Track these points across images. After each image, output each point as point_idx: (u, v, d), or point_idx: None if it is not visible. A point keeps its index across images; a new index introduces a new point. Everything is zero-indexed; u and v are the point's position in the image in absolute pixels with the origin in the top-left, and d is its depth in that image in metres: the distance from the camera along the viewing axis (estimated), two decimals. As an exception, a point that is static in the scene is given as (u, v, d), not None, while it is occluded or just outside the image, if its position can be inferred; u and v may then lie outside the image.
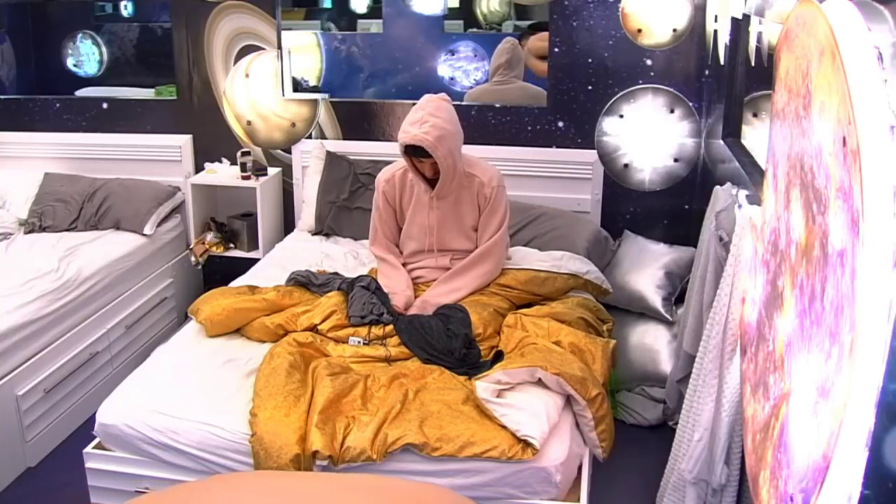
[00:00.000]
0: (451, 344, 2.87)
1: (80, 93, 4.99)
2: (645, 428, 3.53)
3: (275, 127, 4.53)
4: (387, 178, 3.39)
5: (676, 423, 2.68)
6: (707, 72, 3.86)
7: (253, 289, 3.27)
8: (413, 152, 3.13)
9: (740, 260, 2.18)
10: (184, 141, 4.59)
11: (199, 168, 4.62)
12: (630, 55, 3.95)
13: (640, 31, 3.91)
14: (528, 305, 3.27)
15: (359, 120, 4.43)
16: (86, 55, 5.16)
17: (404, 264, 3.44)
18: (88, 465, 2.68)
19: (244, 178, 4.37)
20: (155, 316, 4.23)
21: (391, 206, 3.41)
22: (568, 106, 4.10)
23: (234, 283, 3.47)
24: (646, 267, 3.72)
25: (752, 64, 2.93)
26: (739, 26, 3.03)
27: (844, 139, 1.03)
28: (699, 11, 3.81)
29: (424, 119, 3.06)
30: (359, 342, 2.96)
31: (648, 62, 3.95)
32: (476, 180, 3.28)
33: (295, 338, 2.92)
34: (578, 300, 3.28)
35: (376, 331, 2.99)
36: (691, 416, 2.50)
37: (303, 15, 4.90)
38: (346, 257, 3.86)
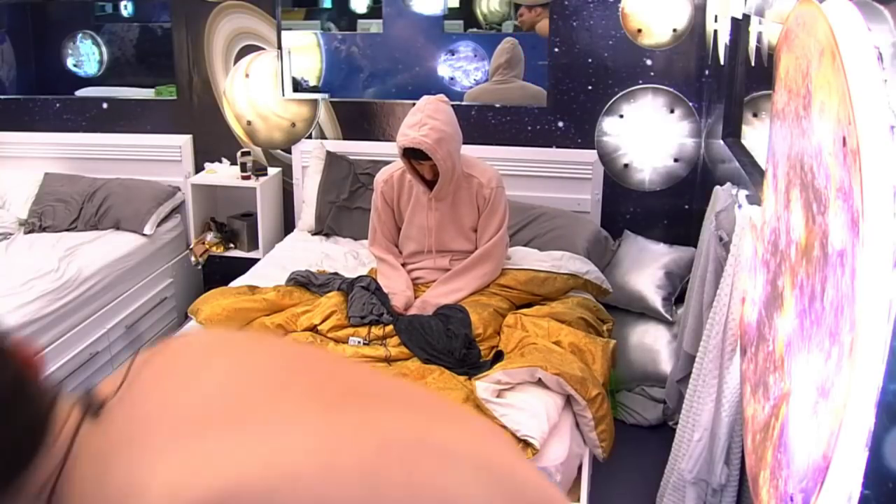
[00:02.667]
0: (451, 344, 2.87)
1: (80, 93, 4.99)
2: (645, 428, 3.53)
3: (275, 127, 4.53)
4: (385, 178, 3.39)
5: (676, 423, 2.68)
6: (707, 72, 3.86)
7: (253, 289, 3.27)
8: (412, 155, 3.13)
9: (740, 260, 2.18)
10: (184, 141, 4.59)
11: (199, 168, 4.62)
12: (630, 55, 3.95)
13: (640, 31, 3.91)
14: (528, 305, 3.26)
15: (359, 120, 4.43)
16: (86, 55, 5.16)
17: (403, 265, 3.44)
18: (88, 465, 2.68)
19: (244, 178, 4.37)
20: (155, 316, 4.23)
21: (389, 206, 3.41)
22: (568, 106, 4.10)
23: (234, 283, 3.47)
24: (646, 267, 3.72)
25: (752, 64, 2.93)
26: (739, 26, 3.03)
27: (844, 139, 1.03)
28: (699, 11, 3.81)
29: (423, 121, 3.05)
30: (359, 342, 2.96)
31: (648, 62, 3.95)
32: (475, 181, 3.28)
33: (295, 338, 2.92)
34: (578, 300, 3.28)
35: (376, 331, 2.99)
36: (691, 416, 2.50)
37: (303, 15, 4.91)
38: (346, 257, 3.86)
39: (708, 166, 3.80)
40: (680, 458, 2.54)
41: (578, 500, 2.49)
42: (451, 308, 3.08)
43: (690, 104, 3.95)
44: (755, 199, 2.26)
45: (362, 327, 3.00)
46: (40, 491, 0.75)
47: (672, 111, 3.96)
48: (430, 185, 3.24)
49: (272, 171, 4.53)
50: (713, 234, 2.61)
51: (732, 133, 3.23)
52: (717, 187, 2.78)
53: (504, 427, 2.43)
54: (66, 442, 0.77)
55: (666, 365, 3.51)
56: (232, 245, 4.50)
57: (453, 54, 4.80)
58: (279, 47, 4.40)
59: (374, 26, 4.79)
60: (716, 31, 3.51)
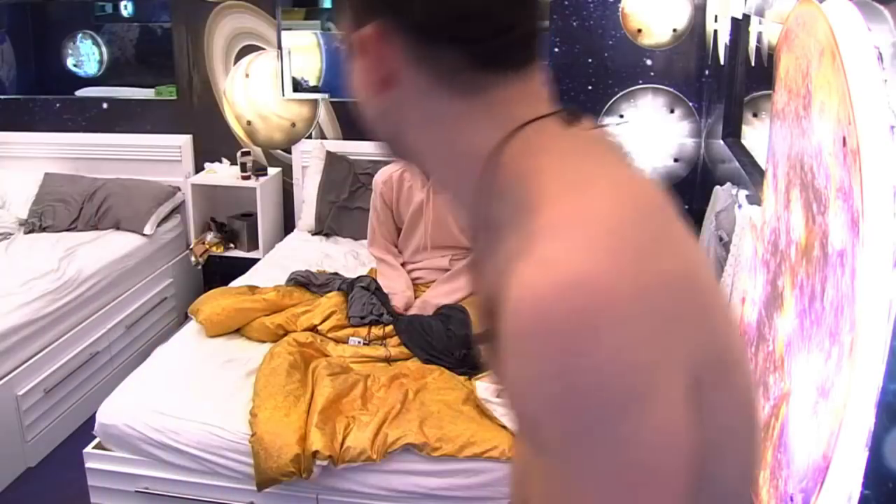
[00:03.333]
0: (451, 344, 2.87)
1: (81, 93, 4.98)
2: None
3: (275, 127, 4.53)
4: (384, 178, 3.40)
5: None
6: (707, 72, 3.86)
7: (253, 289, 3.27)
8: None
9: (740, 260, 2.18)
10: (184, 141, 4.59)
11: (199, 168, 4.61)
12: (630, 55, 3.95)
13: (640, 31, 3.91)
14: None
15: (359, 120, 4.42)
16: (86, 55, 5.15)
17: (403, 265, 3.44)
18: (88, 465, 2.68)
19: (244, 178, 4.37)
20: (155, 316, 4.23)
21: (388, 207, 3.42)
22: (568, 106, 4.08)
23: (234, 284, 3.47)
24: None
25: (752, 64, 2.93)
26: (739, 26, 3.03)
27: (844, 139, 1.03)
28: (699, 11, 3.81)
29: None
30: (359, 342, 2.96)
31: (648, 62, 3.95)
32: None
33: (295, 338, 2.92)
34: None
35: (376, 331, 2.99)
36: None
37: (303, 15, 4.89)
38: (346, 257, 3.86)
39: (708, 166, 3.80)
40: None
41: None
42: (452, 308, 3.08)
43: (690, 104, 3.95)
44: (755, 199, 2.26)
45: (362, 327, 3.00)
46: (504, 127, 0.80)
47: (672, 111, 3.96)
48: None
49: (272, 171, 4.53)
50: (713, 234, 2.61)
51: (732, 133, 3.23)
52: (717, 187, 2.78)
53: (504, 427, 2.43)
54: (541, 105, 0.84)
55: (666, 365, 3.51)
56: (232, 245, 4.50)
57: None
58: (279, 47, 4.40)
59: (374, 26, 4.80)
60: (716, 31, 3.51)
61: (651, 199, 0.77)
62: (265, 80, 4.46)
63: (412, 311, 3.17)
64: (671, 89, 3.95)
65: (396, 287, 3.27)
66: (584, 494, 0.68)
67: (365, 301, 3.07)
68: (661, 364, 0.67)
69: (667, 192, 0.81)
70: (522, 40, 0.81)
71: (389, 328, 3.00)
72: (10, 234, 4.22)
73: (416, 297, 3.29)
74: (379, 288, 3.20)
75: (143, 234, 4.25)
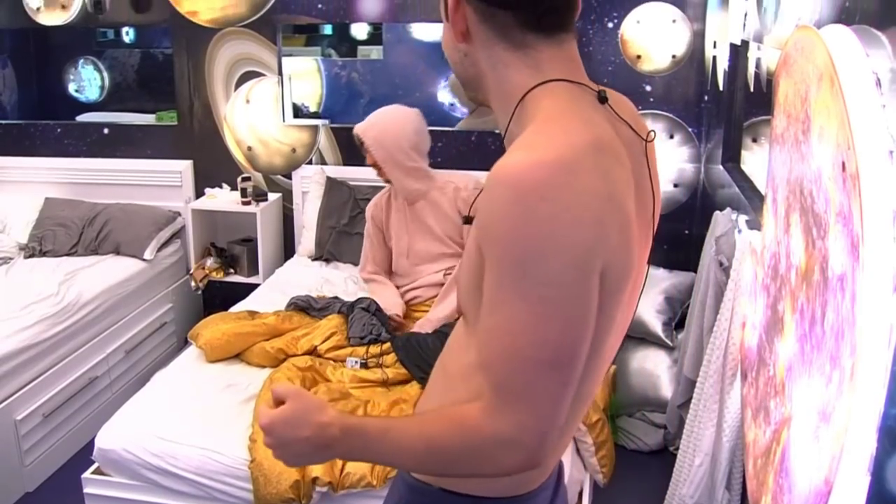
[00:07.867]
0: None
1: (82, 118, 5.01)
2: (646, 453, 3.51)
3: (275, 152, 4.54)
4: (375, 202, 3.49)
5: (677, 449, 2.66)
6: (706, 97, 3.87)
7: (253, 314, 3.26)
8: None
9: (740, 284, 2.18)
10: (184, 166, 4.60)
11: (199, 193, 4.63)
12: (629, 81, 3.96)
13: (639, 57, 3.94)
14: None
15: (359, 146, 4.44)
16: (87, 80, 5.18)
17: (399, 288, 3.45)
18: (87, 490, 2.67)
19: (244, 203, 4.37)
20: (154, 341, 4.22)
21: (379, 229, 3.48)
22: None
23: (234, 309, 3.47)
24: (646, 292, 3.72)
25: (752, 89, 2.95)
26: (738, 52, 3.05)
27: (844, 164, 1.04)
28: (698, 37, 3.84)
29: (371, 117, 3.35)
30: (355, 363, 2.95)
31: (648, 88, 3.97)
32: (452, 186, 3.37)
33: (294, 363, 2.91)
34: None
35: (374, 349, 2.98)
36: (692, 440, 2.49)
37: (303, 41, 4.93)
38: (346, 282, 3.86)
39: (708, 191, 3.81)
40: (681, 484, 2.52)
41: (579, 527, 2.47)
42: (452, 326, 3.07)
43: (690, 129, 3.97)
44: (755, 224, 2.27)
45: (361, 347, 3.00)
46: (536, 78, 1.11)
47: (671, 136, 3.98)
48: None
49: (272, 196, 4.54)
50: (713, 259, 2.61)
51: (732, 158, 3.24)
52: (717, 212, 2.78)
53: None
54: (566, 68, 1.14)
55: (666, 390, 3.50)
56: (232, 270, 4.50)
57: (453, 80, 4.81)
58: (280, 73, 4.42)
59: (375, 52, 4.81)
60: (715, 57, 3.53)
61: (606, 143, 1.05)
62: (266, 105, 4.48)
63: (413, 330, 3.17)
64: (671, 115, 3.97)
65: (388, 300, 3.30)
66: (511, 311, 0.98)
67: (365, 322, 3.07)
68: (589, 242, 0.97)
69: (621, 146, 1.10)
70: (553, 11, 1.11)
71: (387, 345, 2.99)
72: (10, 259, 4.22)
73: (416, 319, 3.29)
74: (379, 309, 3.20)
75: (143, 259, 4.25)
